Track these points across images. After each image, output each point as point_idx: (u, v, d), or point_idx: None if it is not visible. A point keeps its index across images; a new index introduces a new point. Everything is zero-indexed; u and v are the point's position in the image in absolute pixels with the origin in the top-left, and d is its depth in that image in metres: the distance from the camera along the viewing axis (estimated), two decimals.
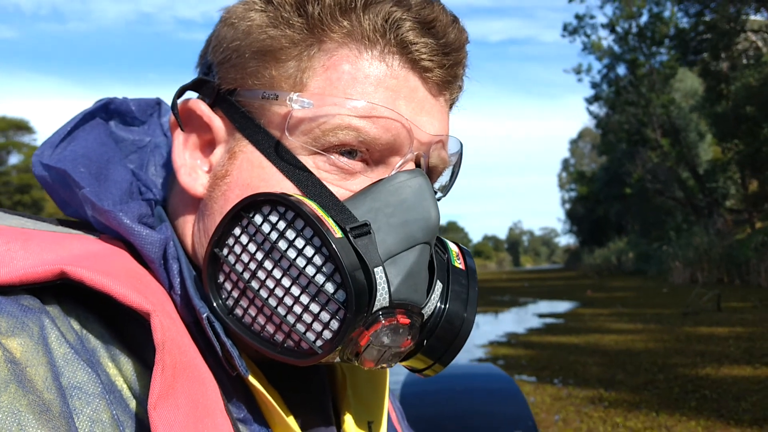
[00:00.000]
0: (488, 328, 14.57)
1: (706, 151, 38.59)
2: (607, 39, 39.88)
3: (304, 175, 0.69)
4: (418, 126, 0.71)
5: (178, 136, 0.74)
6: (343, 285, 0.61)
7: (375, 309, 0.63)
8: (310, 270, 0.62)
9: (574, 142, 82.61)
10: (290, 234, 0.63)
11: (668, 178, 37.76)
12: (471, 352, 10.83)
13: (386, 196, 0.68)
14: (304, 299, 0.63)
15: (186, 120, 0.75)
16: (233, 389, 0.67)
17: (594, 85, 41.80)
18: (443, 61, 0.73)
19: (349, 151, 0.69)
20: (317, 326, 0.63)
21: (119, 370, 0.60)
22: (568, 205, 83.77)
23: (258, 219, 0.64)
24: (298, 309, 0.63)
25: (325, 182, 0.69)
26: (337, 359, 0.65)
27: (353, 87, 0.69)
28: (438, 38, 0.72)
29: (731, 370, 8.05)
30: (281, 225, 0.63)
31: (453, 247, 0.80)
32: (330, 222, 0.63)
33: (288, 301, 0.63)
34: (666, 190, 38.92)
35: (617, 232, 55.29)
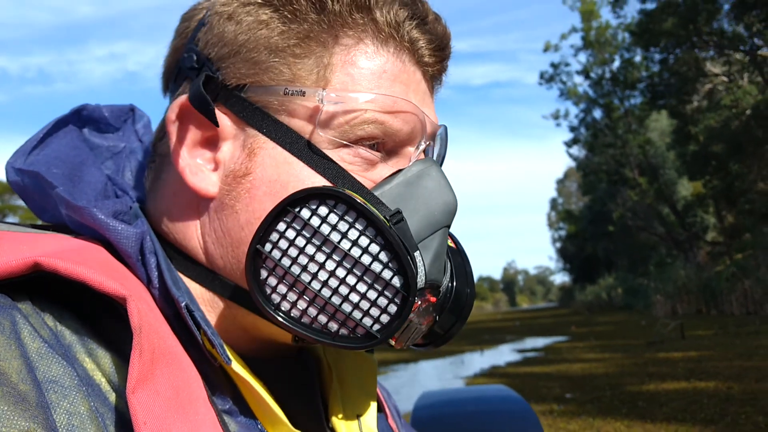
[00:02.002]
0: (474, 363, 15.77)
1: (686, 187, 40.28)
2: (582, 85, 41.62)
3: (332, 168, 0.69)
4: (429, 117, 0.75)
5: (173, 135, 0.72)
6: (401, 271, 0.64)
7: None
8: (366, 259, 0.64)
9: (560, 182, 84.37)
10: (342, 225, 0.65)
11: (648, 214, 39.35)
12: (452, 383, 12.15)
13: (410, 185, 0.71)
14: (361, 287, 0.65)
15: (181, 117, 0.72)
16: (218, 382, 0.66)
17: (572, 129, 43.60)
18: (440, 56, 0.77)
19: (371, 143, 0.71)
20: (375, 311, 0.65)
21: (97, 364, 0.58)
22: (558, 244, 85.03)
23: (305, 213, 0.65)
24: (354, 297, 0.65)
25: (351, 174, 0.70)
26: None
27: (374, 82, 0.71)
28: (434, 33, 0.75)
29: (670, 385, 9.37)
30: (333, 218, 0.65)
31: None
32: (375, 211, 0.65)
33: (343, 290, 0.65)
34: (647, 227, 40.46)
35: (607, 269, 56.58)
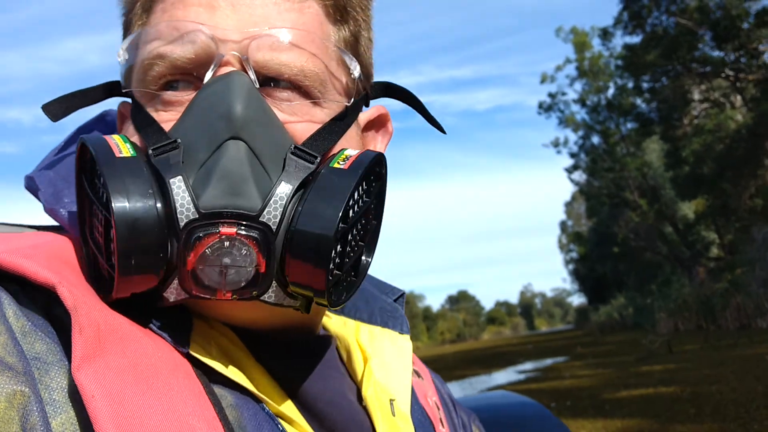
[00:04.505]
0: (479, 385, 17.28)
1: (688, 206, 41.64)
2: (579, 112, 43.38)
3: (142, 119, 0.68)
4: (222, 28, 0.67)
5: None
6: (108, 207, 0.57)
7: (183, 224, 0.58)
8: (99, 201, 0.61)
9: (568, 204, 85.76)
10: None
11: (650, 235, 40.71)
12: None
13: (194, 108, 0.65)
14: (109, 234, 0.60)
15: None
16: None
17: (572, 155, 45.25)
18: None
19: (172, 84, 0.69)
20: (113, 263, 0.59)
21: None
22: (571, 266, 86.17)
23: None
24: (110, 246, 0.59)
25: (156, 118, 0.68)
26: (177, 294, 0.62)
27: (161, 16, 0.70)
28: None
29: (637, 392, 10.88)
30: (93, 167, 0.63)
31: (348, 152, 0.68)
32: (123, 147, 0.62)
33: (99, 239, 0.61)
34: (650, 246, 41.80)
35: (618, 289, 57.75)
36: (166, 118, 0.68)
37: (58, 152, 0.79)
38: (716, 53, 28.76)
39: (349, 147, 0.74)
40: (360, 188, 0.67)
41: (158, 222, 0.59)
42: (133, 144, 0.65)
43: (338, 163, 0.67)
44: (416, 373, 0.97)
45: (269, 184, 0.63)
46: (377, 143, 0.88)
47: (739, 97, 29.35)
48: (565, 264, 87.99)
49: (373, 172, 0.70)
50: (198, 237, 0.58)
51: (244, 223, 0.60)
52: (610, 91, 41.21)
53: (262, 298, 0.63)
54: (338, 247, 0.64)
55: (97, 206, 0.62)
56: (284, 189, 0.63)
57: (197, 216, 0.59)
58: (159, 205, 0.59)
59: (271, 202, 0.62)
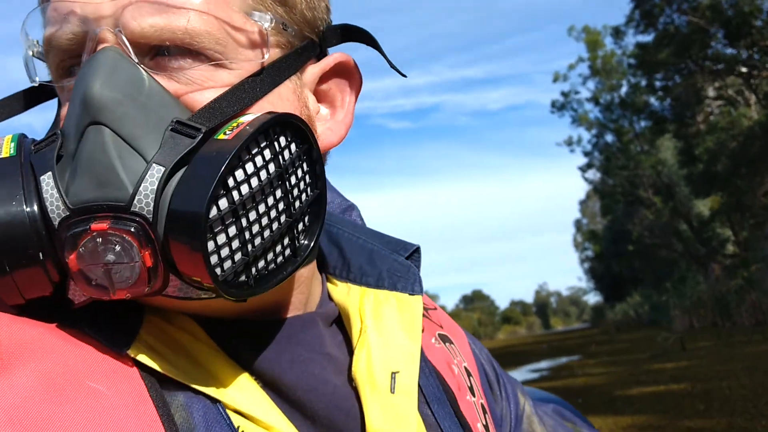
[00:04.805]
0: None
1: (704, 203, 41.59)
2: (593, 111, 43.41)
3: (56, 114, 0.65)
4: (94, 2, 0.60)
5: None
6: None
7: (57, 223, 0.54)
8: None
9: (583, 203, 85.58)
10: None
11: (665, 232, 40.69)
12: None
13: (72, 95, 0.58)
14: None
15: None
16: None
17: (586, 154, 45.28)
18: None
19: (72, 70, 0.64)
20: None
21: None
22: (587, 264, 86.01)
23: None
24: None
25: (61, 111, 0.65)
26: (80, 295, 0.59)
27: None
28: None
29: (648, 389, 11.06)
30: None
31: (243, 119, 0.60)
32: (5, 146, 0.60)
33: None
34: (665, 244, 41.77)
35: (633, 287, 57.68)
36: (64, 111, 0.64)
37: None
38: (729, 51, 28.73)
39: (279, 109, 0.65)
40: (259, 155, 0.58)
41: (28, 224, 0.55)
42: (20, 143, 0.60)
43: (224, 133, 0.58)
44: (442, 338, 0.88)
45: (141, 169, 0.56)
46: (344, 96, 0.77)
47: (753, 95, 29.31)
48: (581, 262, 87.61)
49: (278, 134, 0.61)
50: (72, 235, 0.54)
51: (116, 215, 0.54)
52: (623, 90, 41.19)
53: (165, 293, 0.59)
54: (230, 227, 0.56)
55: None
56: (156, 172, 0.55)
57: (68, 213, 0.54)
58: (31, 207, 0.55)
59: (141, 188, 0.55)
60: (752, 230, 30.25)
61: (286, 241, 0.63)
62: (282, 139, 0.61)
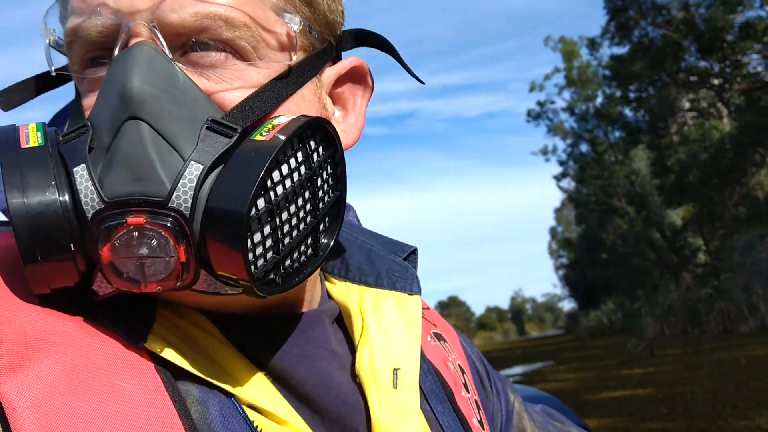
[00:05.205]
0: None
1: (677, 212, 42.29)
2: (568, 120, 44.01)
3: (76, 103, 0.66)
4: None
5: None
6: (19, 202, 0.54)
7: (90, 216, 0.55)
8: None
9: (558, 210, 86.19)
10: None
11: (638, 241, 41.31)
12: None
13: (102, 88, 0.59)
14: None
15: None
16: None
17: (561, 163, 45.85)
18: None
19: (98, 61, 0.64)
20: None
21: None
22: (561, 271, 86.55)
23: None
24: None
25: (82, 101, 0.64)
26: (105, 287, 0.59)
27: None
28: None
29: (615, 393, 11.38)
30: None
31: (277, 120, 0.61)
32: (32, 136, 0.59)
33: None
34: (638, 253, 42.39)
35: (608, 294, 58.31)
36: (88, 102, 0.64)
37: None
38: (702, 64, 29.35)
39: (304, 111, 0.67)
40: (293, 158, 0.60)
41: (62, 215, 0.55)
42: (46, 132, 0.60)
43: (261, 134, 0.59)
44: (437, 336, 0.90)
45: (179, 166, 0.56)
46: (356, 99, 0.78)
47: (725, 108, 29.98)
48: (556, 270, 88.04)
49: (310, 137, 0.63)
50: (107, 228, 0.54)
51: (153, 210, 0.55)
52: (599, 100, 41.76)
53: (194, 288, 0.60)
54: (265, 226, 0.57)
55: None
56: (195, 169, 0.56)
57: (103, 206, 0.55)
58: (63, 197, 0.55)
59: (179, 185, 0.55)
60: (722, 240, 30.86)
61: (309, 240, 0.65)
62: (312, 142, 0.63)
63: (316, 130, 0.63)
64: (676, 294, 31.35)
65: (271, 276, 0.59)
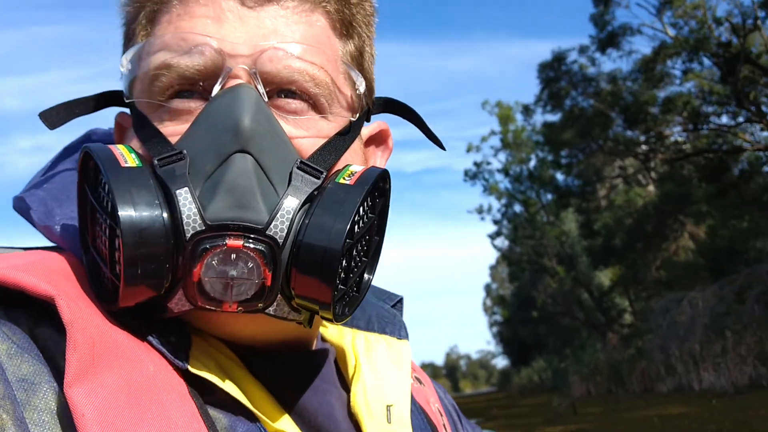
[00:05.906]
0: None
1: (605, 274, 43.51)
2: (503, 181, 45.20)
3: (147, 130, 0.68)
4: (231, 41, 0.68)
5: None
6: (114, 216, 0.57)
7: (189, 236, 0.58)
8: (104, 215, 0.61)
9: (493, 268, 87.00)
10: (103, 189, 0.62)
11: (567, 300, 42.31)
12: None
13: (201, 120, 0.65)
14: (113, 243, 0.59)
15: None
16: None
17: (496, 222, 46.78)
18: None
19: (183, 94, 0.68)
20: (116, 266, 0.59)
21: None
22: (495, 328, 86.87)
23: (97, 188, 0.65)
24: (114, 255, 0.59)
25: (162, 129, 0.67)
26: (182, 305, 0.62)
27: (166, 28, 0.70)
28: None
29: None
30: (96, 176, 0.64)
31: (353, 168, 0.69)
32: (128, 156, 0.62)
33: (103, 249, 0.61)
34: (568, 312, 43.35)
35: (539, 352, 58.96)
36: (171, 130, 0.68)
37: (45, 172, 0.80)
38: (628, 133, 30.78)
39: (353, 162, 0.74)
40: (365, 204, 0.67)
41: (164, 232, 0.58)
42: (138, 154, 0.64)
43: (344, 178, 0.66)
44: (417, 379, 0.95)
45: (275, 198, 0.63)
46: (378, 159, 0.88)
47: (649, 176, 31.49)
48: (490, 326, 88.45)
49: (377, 188, 0.69)
50: (204, 248, 0.58)
51: (251, 236, 0.60)
52: (532, 163, 42.88)
53: (267, 311, 0.63)
54: (344, 261, 0.63)
55: (101, 215, 0.62)
56: (291, 203, 0.62)
57: (204, 228, 0.59)
58: (165, 215, 0.59)
59: (278, 215, 0.61)
60: (646, 302, 32.04)
61: (358, 276, 0.71)
62: (376, 191, 0.71)
63: (384, 181, 0.72)
64: (602, 353, 32.17)
65: (337, 307, 0.66)
